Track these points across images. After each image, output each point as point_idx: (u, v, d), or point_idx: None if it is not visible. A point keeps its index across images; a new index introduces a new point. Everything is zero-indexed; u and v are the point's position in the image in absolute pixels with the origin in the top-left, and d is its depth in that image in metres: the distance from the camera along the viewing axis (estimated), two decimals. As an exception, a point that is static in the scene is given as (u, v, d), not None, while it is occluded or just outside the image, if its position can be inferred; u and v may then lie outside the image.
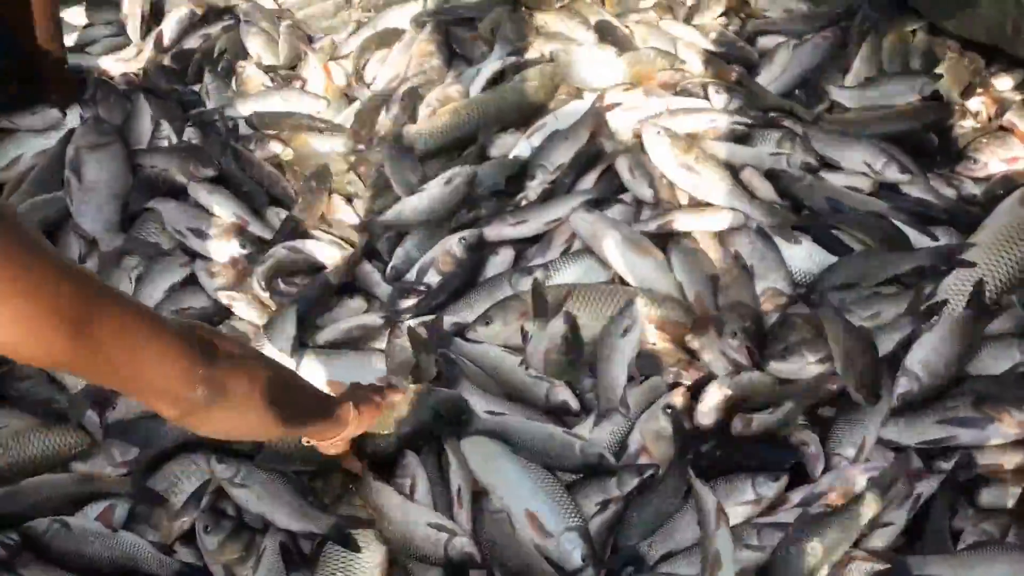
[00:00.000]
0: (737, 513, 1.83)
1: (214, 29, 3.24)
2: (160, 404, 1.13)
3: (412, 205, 2.49)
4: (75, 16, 3.38)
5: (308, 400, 1.47)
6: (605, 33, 3.00)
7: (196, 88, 3.01)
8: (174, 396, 1.13)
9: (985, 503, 1.86)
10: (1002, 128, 2.66)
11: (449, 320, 2.21)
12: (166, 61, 3.15)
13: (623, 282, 2.25)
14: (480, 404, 2.02)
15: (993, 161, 2.53)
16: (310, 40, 3.21)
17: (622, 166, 2.48)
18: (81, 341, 0.97)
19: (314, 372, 2.14)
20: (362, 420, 1.59)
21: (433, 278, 2.31)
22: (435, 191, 2.49)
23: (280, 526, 1.83)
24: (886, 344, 2.04)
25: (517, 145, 2.64)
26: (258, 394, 1.25)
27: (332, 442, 1.59)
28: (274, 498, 1.85)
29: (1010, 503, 1.84)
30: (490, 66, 2.86)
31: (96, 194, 2.51)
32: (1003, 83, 2.76)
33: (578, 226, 2.34)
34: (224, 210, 2.49)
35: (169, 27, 3.23)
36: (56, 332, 0.94)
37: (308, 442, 1.59)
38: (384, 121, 2.75)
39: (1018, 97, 2.72)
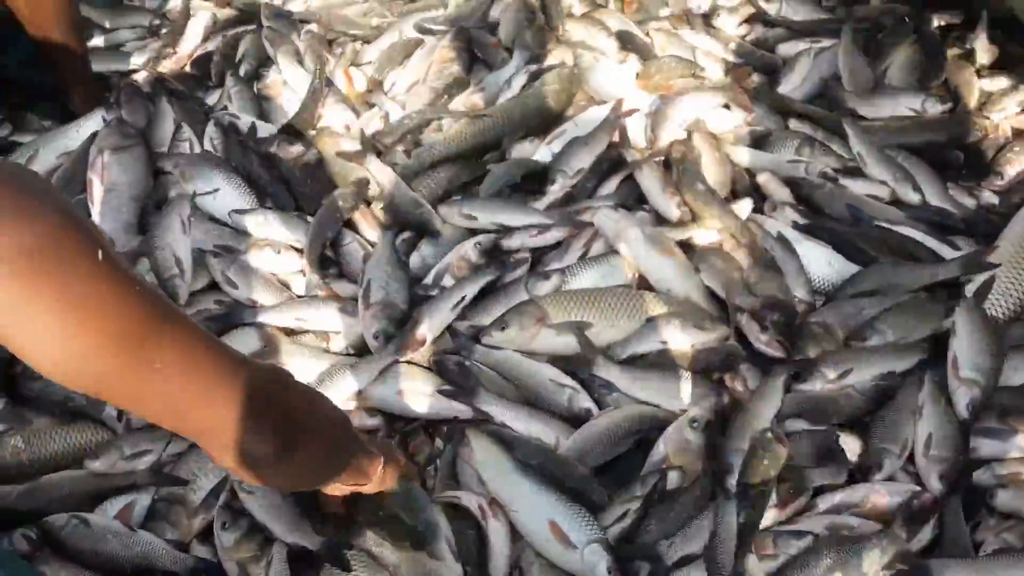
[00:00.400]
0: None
1: (236, 32, 3.27)
2: (219, 452, 1.03)
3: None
4: (100, 19, 3.44)
5: (355, 456, 1.37)
6: (625, 41, 3.00)
7: (218, 92, 3.04)
8: (237, 449, 1.02)
9: (1004, 509, 1.85)
10: (1018, 135, 2.64)
11: (465, 325, 2.21)
12: (188, 66, 3.19)
13: (641, 286, 2.25)
14: (498, 412, 2.02)
15: (1014, 171, 2.52)
16: (330, 44, 3.22)
17: (643, 179, 2.48)
18: (139, 368, 0.88)
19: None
20: (384, 480, 1.49)
21: (449, 282, 2.31)
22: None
23: (276, 536, 1.83)
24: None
25: (537, 151, 2.65)
26: (323, 454, 1.20)
27: (340, 488, 1.48)
28: (275, 508, 1.84)
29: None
30: (516, 76, 2.86)
31: (116, 195, 2.53)
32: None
33: (603, 224, 2.34)
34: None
35: (192, 31, 3.27)
36: (115, 356, 0.86)
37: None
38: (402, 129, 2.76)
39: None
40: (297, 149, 2.73)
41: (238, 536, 1.83)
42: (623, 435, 1.98)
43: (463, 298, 2.21)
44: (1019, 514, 1.84)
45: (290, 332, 2.27)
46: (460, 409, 2.04)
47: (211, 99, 3.04)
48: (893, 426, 1.95)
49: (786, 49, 3.01)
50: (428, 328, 2.14)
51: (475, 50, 3.05)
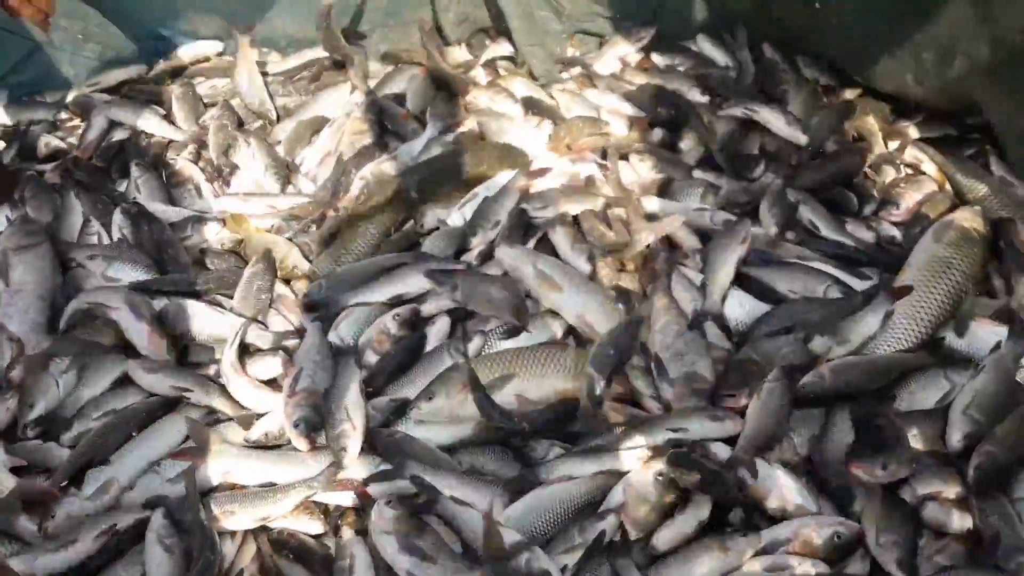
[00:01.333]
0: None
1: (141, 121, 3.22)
2: None
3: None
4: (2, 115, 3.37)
5: None
6: (531, 105, 3.07)
7: (125, 182, 2.99)
8: None
9: (933, 522, 1.90)
10: (914, 170, 2.77)
11: (386, 400, 2.20)
12: (93, 157, 3.14)
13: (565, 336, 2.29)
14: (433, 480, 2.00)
15: (911, 203, 2.63)
16: (241, 125, 3.22)
17: (557, 239, 2.52)
18: None
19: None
20: None
21: (371, 358, 2.30)
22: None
23: None
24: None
25: (450, 215, 2.67)
26: None
27: None
28: None
29: (954, 526, 1.89)
30: (433, 144, 2.90)
31: (23, 296, 2.46)
32: (911, 131, 2.87)
33: (501, 259, 2.39)
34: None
35: (96, 122, 3.22)
36: None
37: None
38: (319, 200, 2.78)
39: (920, 139, 2.84)
40: (211, 230, 2.71)
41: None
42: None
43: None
44: (947, 528, 1.89)
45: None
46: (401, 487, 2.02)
47: (120, 187, 2.99)
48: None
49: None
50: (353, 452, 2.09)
51: (385, 122, 3.07)
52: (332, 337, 2.37)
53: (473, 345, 2.26)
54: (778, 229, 2.51)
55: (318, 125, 3.11)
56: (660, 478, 1.94)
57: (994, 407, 1.99)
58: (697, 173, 2.77)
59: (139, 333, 2.37)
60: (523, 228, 2.57)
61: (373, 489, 2.04)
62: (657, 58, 3.25)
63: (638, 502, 1.93)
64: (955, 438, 1.97)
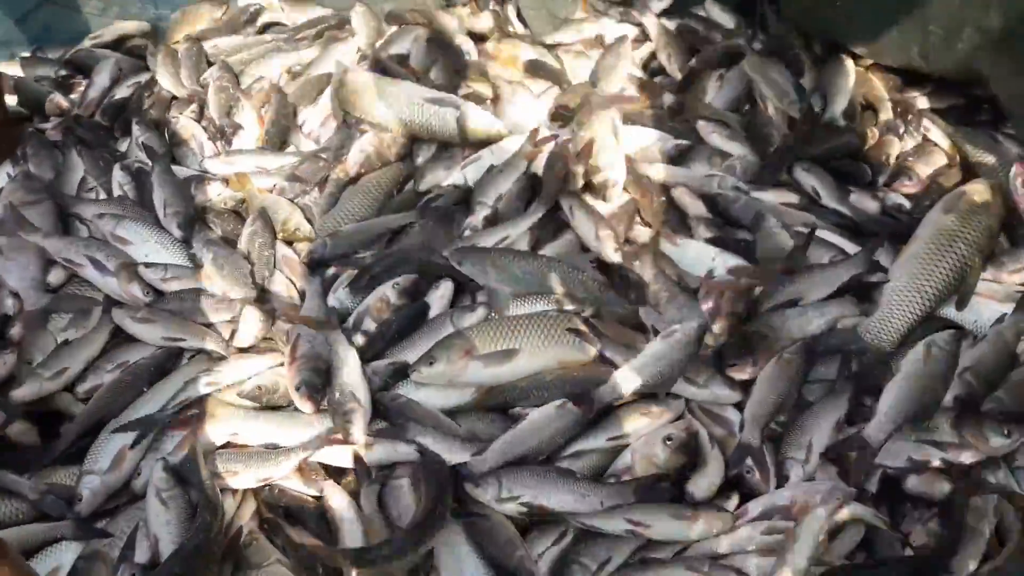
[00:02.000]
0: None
1: (144, 79, 3.21)
2: None
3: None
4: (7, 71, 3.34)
5: None
6: (537, 68, 3.02)
7: (127, 140, 2.97)
8: None
9: (916, 492, 1.94)
10: (923, 139, 2.72)
11: (385, 363, 2.20)
12: (97, 114, 3.11)
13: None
14: (432, 444, 2.04)
15: (923, 175, 2.59)
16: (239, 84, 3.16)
17: (566, 206, 2.48)
18: None
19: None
20: None
21: (369, 326, 2.28)
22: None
23: None
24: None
25: (451, 175, 2.64)
26: None
27: None
28: None
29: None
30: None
31: (23, 251, 2.46)
32: (920, 102, 2.82)
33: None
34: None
35: (99, 79, 3.19)
36: None
37: None
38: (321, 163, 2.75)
39: (931, 110, 2.79)
40: (213, 189, 2.69)
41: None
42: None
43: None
44: (930, 497, 1.92)
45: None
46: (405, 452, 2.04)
47: (122, 146, 2.97)
48: (800, 432, 2.01)
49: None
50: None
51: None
52: (332, 301, 2.36)
53: (476, 315, 2.25)
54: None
55: (324, 84, 3.06)
56: (668, 443, 1.96)
57: (990, 374, 2.05)
58: (711, 136, 2.71)
59: (109, 285, 2.38)
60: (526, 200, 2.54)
61: (375, 452, 2.05)
62: (666, 22, 3.18)
63: (645, 465, 1.96)
64: (948, 397, 2.02)
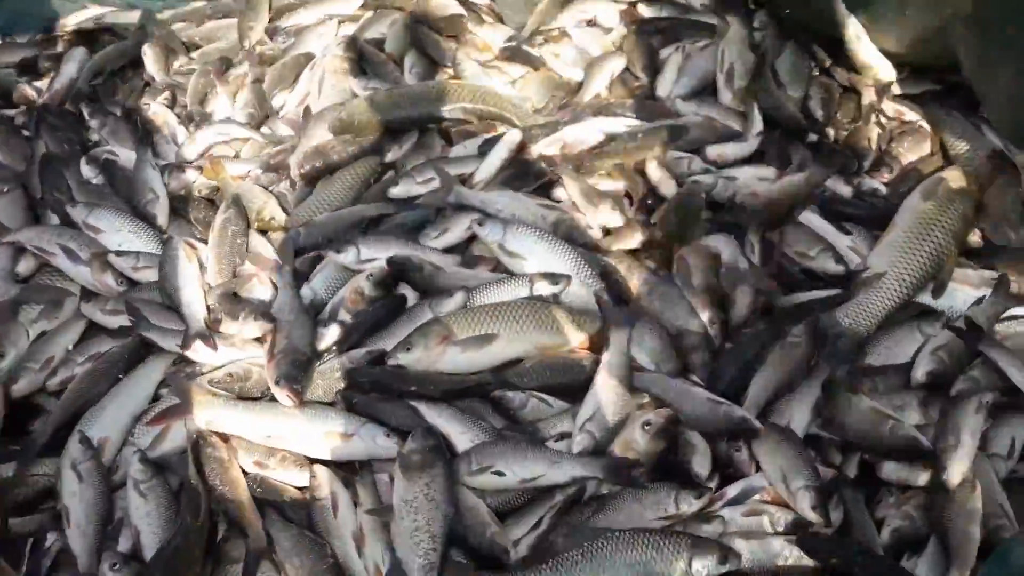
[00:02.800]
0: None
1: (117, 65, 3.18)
2: None
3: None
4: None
5: None
6: (513, 54, 3.01)
7: (98, 127, 2.92)
8: None
9: (891, 479, 1.95)
10: (899, 122, 2.73)
11: (362, 352, 2.18)
12: (67, 103, 3.06)
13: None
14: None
15: (907, 160, 2.61)
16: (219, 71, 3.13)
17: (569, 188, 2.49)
18: None
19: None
20: None
21: (344, 317, 2.26)
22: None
23: None
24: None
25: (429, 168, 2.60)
26: None
27: None
28: None
29: (921, 480, 1.92)
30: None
31: (-7, 241, 2.42)
32: (906, 87, 2.81)
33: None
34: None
35: (68, 67, 3.14)
36: None
37: None
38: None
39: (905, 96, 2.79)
40: (188, 177, 2.66)
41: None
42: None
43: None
44: (908, 483, 1.93)
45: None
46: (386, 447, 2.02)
47: (93, 136, 2.91)
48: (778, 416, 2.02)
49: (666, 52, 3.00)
50: None
51: (364, 67, 3.01)
52: (306, 291, 2.34)
53: (455, 301, 2.23)
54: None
55: (301, 66, 3.04)
56: (647, 428, 1.95)
57: (963, 354, 2.07)
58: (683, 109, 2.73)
59: (81, 275, 2.35)
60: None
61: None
62: (642, 7, 3.17)
63: (625, 450, 1.95)
64: (919, 373, 2.07)
